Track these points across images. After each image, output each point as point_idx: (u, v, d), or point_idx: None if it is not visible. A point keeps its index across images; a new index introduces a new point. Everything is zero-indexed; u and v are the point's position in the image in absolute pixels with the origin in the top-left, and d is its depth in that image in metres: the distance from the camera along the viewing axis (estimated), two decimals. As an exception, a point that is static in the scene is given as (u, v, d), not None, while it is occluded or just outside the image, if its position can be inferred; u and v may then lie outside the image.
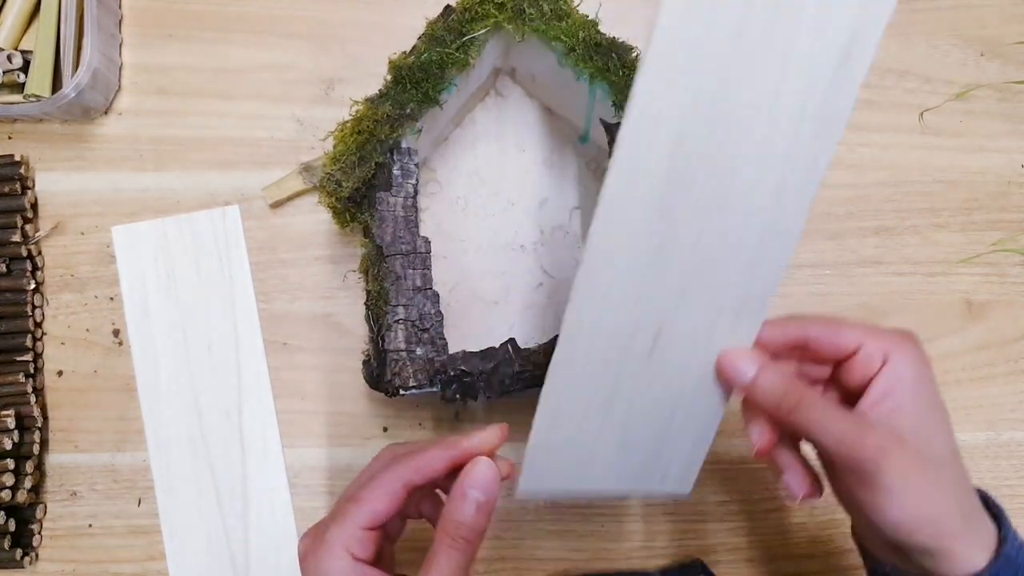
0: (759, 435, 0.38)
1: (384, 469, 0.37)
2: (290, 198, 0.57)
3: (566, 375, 0.36)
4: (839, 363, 0.38)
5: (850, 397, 0.37)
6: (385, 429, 0.56)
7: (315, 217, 0.57)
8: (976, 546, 0.34)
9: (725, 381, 0.37)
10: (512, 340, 0.46)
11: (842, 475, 0.35)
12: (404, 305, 0.45)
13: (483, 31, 0.46)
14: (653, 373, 0.37)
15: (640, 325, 0.35)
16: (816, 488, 0.38)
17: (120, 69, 0.58)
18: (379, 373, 0.46)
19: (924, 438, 0.34)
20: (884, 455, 0.33)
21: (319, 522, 0.37)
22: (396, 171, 0.46)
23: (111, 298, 0.56)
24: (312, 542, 0.36)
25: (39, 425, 0.54)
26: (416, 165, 0.47)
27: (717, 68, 0.31)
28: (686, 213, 0.33)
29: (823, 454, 0.37)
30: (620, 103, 0.46)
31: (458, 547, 0.34)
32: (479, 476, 0.35)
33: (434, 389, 0.46)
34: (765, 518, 0.57)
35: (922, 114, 0.59)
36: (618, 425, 0.38)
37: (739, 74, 0.31)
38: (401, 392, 0.45)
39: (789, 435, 0.39)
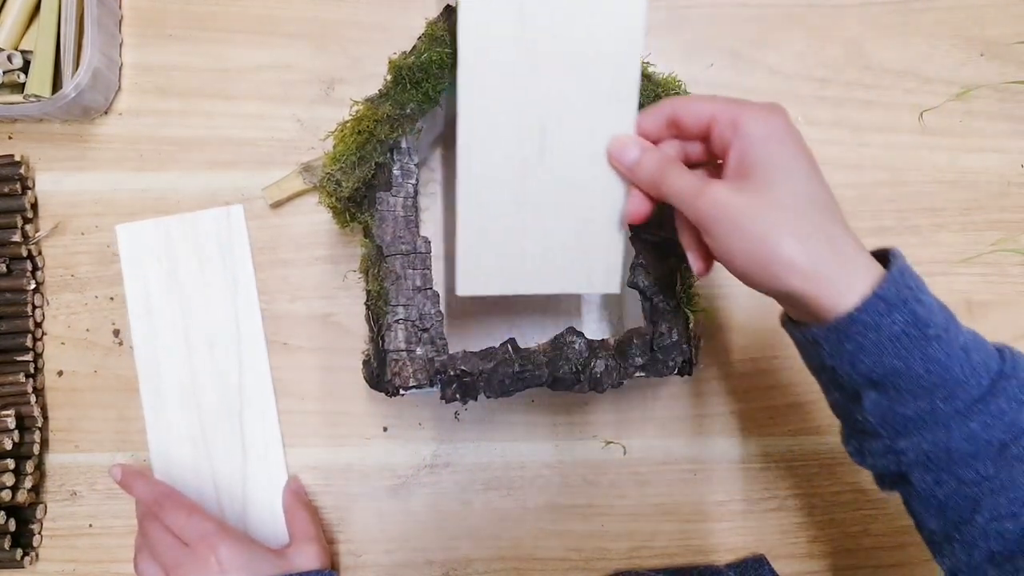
0: (634, 203, 0.42)
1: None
2: (290, 198, 0.57)
3: (473, 180, 0.43)
4: (706, 139, 0.39)
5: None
6: (385, 429, 0.56)
7: (315, 217, 0.57)
8: (849, 288, 0.34)
9: (616, 167, 0.42)
10: (512, 340, 0.46)
11: (699, 233, 0.38)
12: (404, 305, 0.45)
13: (483, 31, 0.46)
14: (551, 169, 0.43)
15: (525, 127, 0.42)
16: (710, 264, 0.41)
17: (120, 69, 0.58)
18: (379, 373, 0.46)
19: (784, 190, 0.36)
20: (715, 207, 0.36)
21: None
22: (396, 171, 0.46)
23: (111, 298, 0.56)
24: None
25: (39, 425, 0.54)
26: (416, 165, 0.47)
27: None
28: (539, 34, 0.40)
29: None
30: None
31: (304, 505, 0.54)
32: (296, 483, 0.56)
33: (434, 389, 0.46)
34: (765, 518, 0.57)
35: (922, 114, 0.59)
36: (534, 223, 0.44)
37: None
38: (401, 392, 0.45)
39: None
